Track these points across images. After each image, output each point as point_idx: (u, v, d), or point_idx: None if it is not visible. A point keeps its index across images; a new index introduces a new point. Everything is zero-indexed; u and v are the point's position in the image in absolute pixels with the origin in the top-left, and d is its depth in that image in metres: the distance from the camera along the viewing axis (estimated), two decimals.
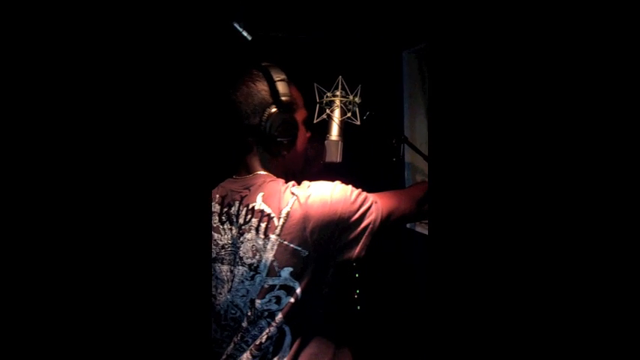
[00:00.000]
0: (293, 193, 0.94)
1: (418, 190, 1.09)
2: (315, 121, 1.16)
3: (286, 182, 0.99)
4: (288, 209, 0.93)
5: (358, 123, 1.17)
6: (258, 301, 0.94)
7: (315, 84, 1.16)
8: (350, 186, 0.98)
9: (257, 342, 0.94)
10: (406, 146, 1.44)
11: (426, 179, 1.57)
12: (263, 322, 0.94)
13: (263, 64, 1.03)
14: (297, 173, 1.10)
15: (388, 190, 1.06)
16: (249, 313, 0.95)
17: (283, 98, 0.99)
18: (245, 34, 1.17)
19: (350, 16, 1.45)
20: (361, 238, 0.95)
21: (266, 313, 0.94)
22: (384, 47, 1.62)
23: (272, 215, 0.94)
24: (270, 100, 0.99)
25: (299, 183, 0.98)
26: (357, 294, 1.90)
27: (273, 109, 0.99)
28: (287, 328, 0.94)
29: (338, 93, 1.16)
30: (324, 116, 1.16)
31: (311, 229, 0.92)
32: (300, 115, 1.06)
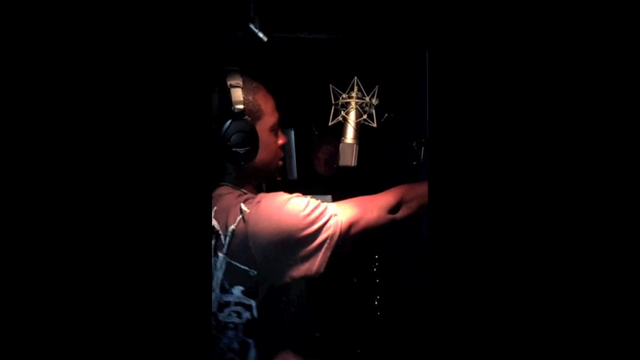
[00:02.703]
0: (241, 209, 0.90)
1: (389, 196, 1.03)
2: (330, 124, 1.13)
3: (245, 194, 0.96)
4: (234, 227, 0.89)
5: (375, 125, 1.14)
6: (219, 314, 0.93)
7: (331, 85, 1.13)
8: (307, 198, 0.93)
9: (225, 352, 0.94)
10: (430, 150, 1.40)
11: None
12: (230, 333, 0.93)
13: (225, 68, 0.99)
14: (268, 181, 1.06)
15: (356, 197, 1.01)
16: (214, 324, 0.94)
17: (236, 106, 0.95)
18: (261, 35, 1.15)
19: (370, 14, 1.41)
20: (318, 254, 0.90)
21: (231, 325, 0.93)
22: (406, 46, 1.57)
23: (220, 232, 0.91)
24: (226, 109, 0.95)
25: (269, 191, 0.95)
26: (378, 300, 1.86)
27: (226, 118, 0.95)
28: (251, 342, 0.92)
29: (354, 94, 1.12)
30: (340, 118, 1.13)
31: (256, 248, 0.87)
32: (265, 122, 1.01)
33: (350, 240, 0.94)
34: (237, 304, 0.90)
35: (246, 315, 0.90)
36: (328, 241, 0.91)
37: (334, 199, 1.11)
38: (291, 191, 0.97)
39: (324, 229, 0.90)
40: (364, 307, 1.81)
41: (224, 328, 0.92)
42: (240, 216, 0.89)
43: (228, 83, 0.95)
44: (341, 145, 1.11)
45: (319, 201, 0.93)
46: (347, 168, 1.11)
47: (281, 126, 1.08)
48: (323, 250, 0.90)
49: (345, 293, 1.78)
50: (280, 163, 1.09)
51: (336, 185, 1.06)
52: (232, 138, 0.95)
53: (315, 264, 0.90)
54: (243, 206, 0.90)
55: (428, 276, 0.72)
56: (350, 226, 0.94)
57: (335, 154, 1.12)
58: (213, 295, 0.92)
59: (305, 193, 1.00)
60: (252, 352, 0.92)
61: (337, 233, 0.91)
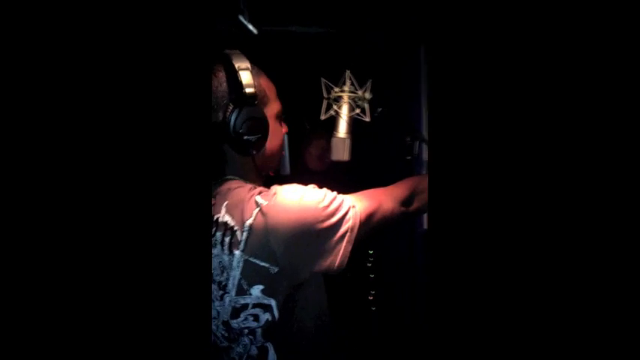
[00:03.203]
0: (257, 203, 0.85)
1: (401, 189, 1.00)
2: (322, 118, 1.12)
3: (256, 187, 0.91)
4: (251, 221, 0.84)
5: (368, 119, 1.12)
6: (233, 322, 0.87)
7: (323, 79, 1.11)
8: (324, 190, 0.88)
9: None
10: (424, 144, 1.38)
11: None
12: (246, 339, 0.87)
13: (226, 51, 0.92)
14: (273, 173, 1.01)
15: (368, 189, 0.97)
16: (225, 334, 0.88)
17: (247, 90, 0.88)
18: (250, 27, 1.13)
19: (365, 8, 1.39)
20: (339, 247, 0.85)
21: (246, 331, 0.87)
22: (401, 41, 1.56)
23: (235, 228, 0.85)
24: (235, 93, 0.88)
25: (269, 187, 0.89)
26: (372, 295, 1.85)
27: (237, 104, 0.88)
28: (270, 345, 0.87)
29: (346, 88, 1.11)
30: (332, 112, 1.11)
31: (277, 243, 0.82)
32: (271, 109, 0.95)
33: (368, 232, 0.90)
34: (255, 305, 0.85)
35: (265, 317, 0.85)
36: (349, 233, 0.86)
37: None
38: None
39: (345, 220, 0.86)
40: (359, 302, 1.81)
41: (239, 335, 0.87)
42: (258, 209, 0.84)
43: (236, 66, 0.89)
44: (333, 139, 1.09)
45: (335, 192, 0.89)
46: (340, 163, 1.10)
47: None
48: (345, 242, 0.85)
49: (339, 289, 1.77)
50: (283, 152, 1.04)
51: (329, 180, 1.04)
52: (244, 125, 0.88)
53: (338, 257, 0.85)
54: (259, 199, 0.85)
55: (427, 273, 0.70)
56: (368, 217, 0.90)
57: (327, 149, 1.11)
58: (228, 299, 0.86)
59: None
60: (272, 356, 0.87)
61: (357, 225, 0.87)
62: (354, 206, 0.88)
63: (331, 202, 0.85)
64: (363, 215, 0.89)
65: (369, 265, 1.83)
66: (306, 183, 0.89)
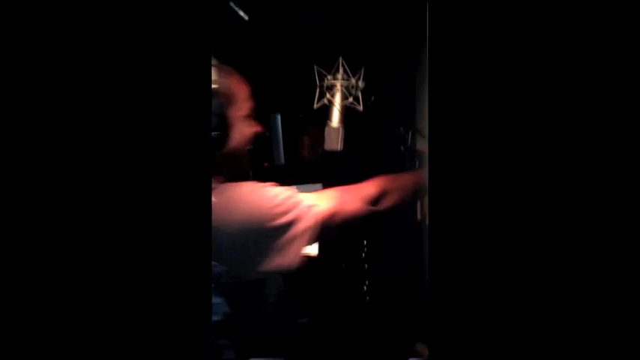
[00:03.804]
0: None
1: (370, 187, 0.99)
2: (315, 107, 1.10)
3: (218, 185, 0.88)
4: None
5: (361, 109, 1.11)
6: None
7: (316, 66, 1.10)
8: (280, 188, 0.88)
9: None
10: (417, 134, 1.37)
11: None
12: None
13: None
14: (241, 174, 0.97)
15: (336, 187, 0.96)
16: None
17: None
18: (241, 13, 1.11)
19: None
20: (289, 247, 0.85)
21: None
22: (396, 28, 1.54)
23: None
24: None
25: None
26: (367, 286, 1.85)
27: None
28: (227, 342, 0.87)
29: (339, 76, 1.09)
30: (325, 101, 1.10)
31: (224, 242, 0.82)
32: (238, 109, 0.92)
33: (330, 232, 0.90)
34: None
35: (215, 317, 0.84)
36: (308, 233, 0.86)
37: (324, 187, 1.08)
38: (280, 178, 0.93)
39: (299, 219, 0.86)
40: (353, 293, 1.81)
41: None
42: None
43: None
44: (326, 128, 1.08)
45: (293, 191, 0.88)
46: (333, 152, 1.08)
47: (265, 111, 1.03)
48: (296, 242, 0.85)
49: (333, 279, 1.77)
50: (249, 152, 0.99)
51: (323, 170, 1.03)
52: None
53: (288, 257, 0.85)
54: None
55: (429, 269, 0.70)
56: (330, 216, 0.90)
57: (320, 138, 1.10)
58: None
59: (294, 180, 0.96)
60: (229, 353, 0.87)
61: (317, 225, 0.87)
62: (313, 205, 0.88)
63: (284, 201, 0.85)
64: (325, 214, 0.89)
65: (364, 255, 1.82)
66: (282, 179, 0.90)
